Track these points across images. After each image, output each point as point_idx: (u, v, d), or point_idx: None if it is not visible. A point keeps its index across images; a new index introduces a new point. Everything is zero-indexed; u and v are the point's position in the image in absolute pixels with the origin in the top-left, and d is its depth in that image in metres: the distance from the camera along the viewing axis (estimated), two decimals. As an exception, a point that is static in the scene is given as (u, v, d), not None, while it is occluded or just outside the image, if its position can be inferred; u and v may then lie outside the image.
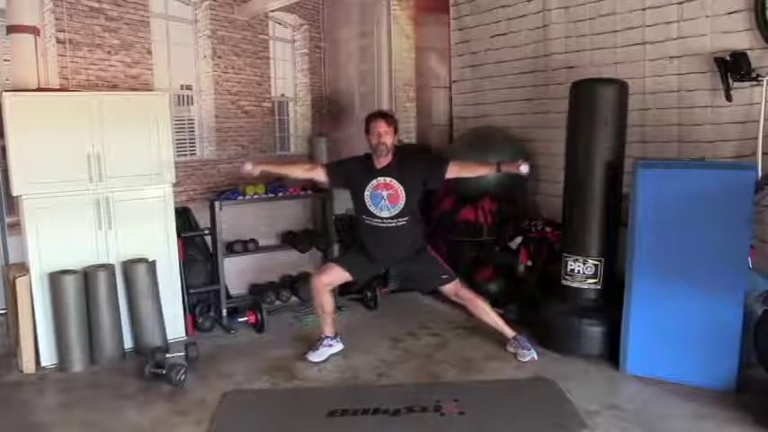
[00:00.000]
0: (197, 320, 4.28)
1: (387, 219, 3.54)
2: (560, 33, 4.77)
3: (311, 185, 5.09)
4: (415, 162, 3.66)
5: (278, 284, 4.98)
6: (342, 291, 5.05)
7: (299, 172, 3.83)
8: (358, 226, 3.75)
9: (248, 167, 3.51)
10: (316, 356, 3.69)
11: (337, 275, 3.71)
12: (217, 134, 6.16)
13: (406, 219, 3.55)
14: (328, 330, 3.77)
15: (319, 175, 3.70)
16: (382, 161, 3.54)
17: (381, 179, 3.52)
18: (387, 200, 3.52)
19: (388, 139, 3.49)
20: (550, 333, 3.77)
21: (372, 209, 3.55)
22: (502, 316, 3.91)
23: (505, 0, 5.21)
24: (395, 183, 3.51)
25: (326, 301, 3.72)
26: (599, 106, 3.60)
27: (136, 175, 3.90)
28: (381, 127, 3.49)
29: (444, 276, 3.74)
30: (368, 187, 3.54)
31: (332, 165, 3.82)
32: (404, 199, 3.51)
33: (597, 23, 4.48)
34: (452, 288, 3.75)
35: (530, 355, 3.61)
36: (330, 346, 3.75)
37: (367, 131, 3.56)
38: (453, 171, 3.55)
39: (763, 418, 2.83)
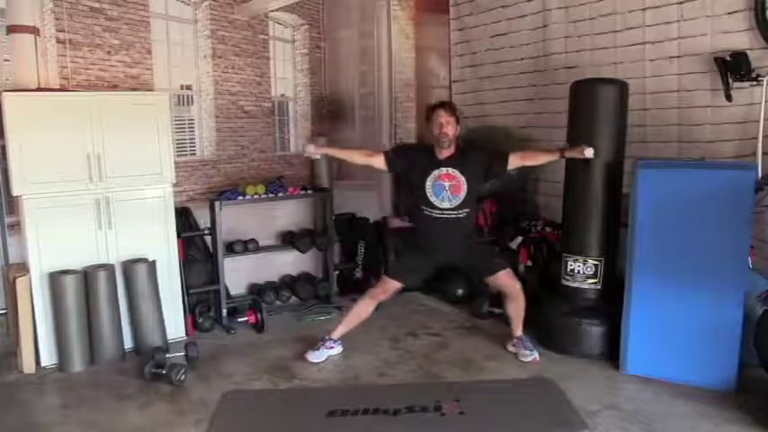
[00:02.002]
0: (197, 320, 4.28)
1: (447, 210, 3.48)
2: (560, 33, 4.77)
3: (312, 185, 5.10)
4: (478, 153, 3.60)
5: (278, 284, 4.98)
6: (342, 290, 5.07)
7: (358, 157, 3.75)
8: (416, 217, 3.70)
9: (311, 149, 3.50)
10: (315, 357, 3.68)
11: (393, 286, 3.69)
12: (217, 134, 6.16)
13: (466, 210, 3.51)
14: (338, 333, 3.76)
15: (379, 162, 3.59)
16: (444, 152, 3.48)
17: (444, 170, 3.47)
18: (449, 191, 3.46)
19: (450, 130, 3.43)
20: (551, 333, 3.77)
21: (433, 199, 3.48)
22: (501, 316, 3.91)
23: (505, 0, 5.21)
24: (457, 174, 3.46)
25: (368, 311, 3.73)
26: (599, 106, 3.60)
27: (136, 175, 3.90)
28: (443, 117, 3.42)
29: (499, 262, 3.71)
30: (430, 177, 3.48)
31: (393, 153, 3.69)
32: (465, 190, 3.46)
33: (597, 23, 4.48)
34: (505, 276, 3.65)
35: (532, 355, 3.61)
36: (331, 348, 3.74)
37: (428, 121, 3.51)
38: (515, 161, 3.51)
39: (763, 418, 2.84)
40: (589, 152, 3.34)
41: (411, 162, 3.58)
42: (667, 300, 3.25)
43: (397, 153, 3.69)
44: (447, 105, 3.54)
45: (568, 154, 3.47)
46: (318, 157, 3.56)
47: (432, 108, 3.53)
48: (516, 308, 3.71)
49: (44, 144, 3.56)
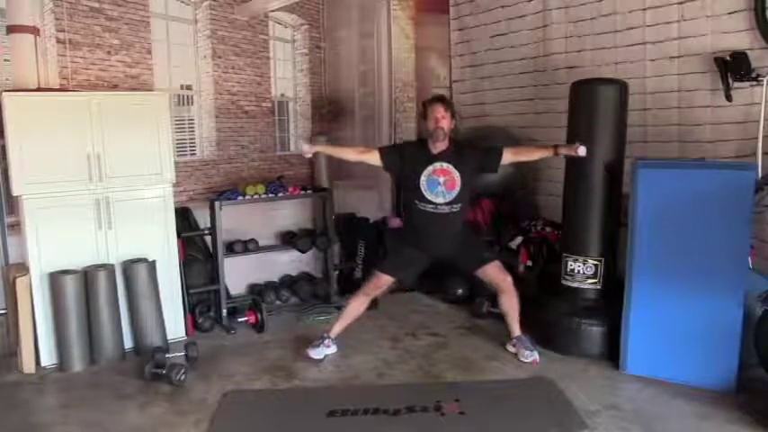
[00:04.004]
0: (197, 320, 4.28)
1: (441, 205, 3.49)
2: (560, 33, 4.78)
3: (312, 185, 5.10)
4: (472, 148, 3.63)
5: (278, 284, 4.98)
6: (342, 290, 5.06)
7: (353, 154, 3.77)
8: (408, 212, 3.70)
9: (305, 147, 3.51)
10: (314, 353, 3.68)
11: (385, 282, 3.71)
12: (217, 134, 6.16)
13: (459, 205, 3.52)
14: (335, 331, 3.77)
15: (374, 158, 3.60)
16: (439, 146, 3.50)
17: (438, 165, 3.48)
18: (443, 185, 3.47)
19: (446, 124, 3.45)
20: (550, 333, 3.77)
21: (427, 194, 3.49)
22: (501, 316, 3.91)
23: (505, 0, 5.21)
24: (451, 169, 3.47)
25: (362, 309, 3.76)
26: (599, 106, 3.60)
27: (136, 175, 3.90)
28: (439, 111, 3.44)
29: (487, 254, 3.73)
30: (424, 172, 3.49)
31: (387, 149, 3.73)
32: (460, 185, 3.48)
33: (597, 23, 4.48)
34: (493, 269, 3.67)
35: (532, 356, 3.60)
36: (328, 347, 3.75)
37: (424, 116, 3.52)
38: (508, 156, 3.52)
39: (763, 418, 2.84)
40: (582, 150, 3.33)
41: (406, 157, 3.59)
42: (667, 300, 3.25)
43: (392, 149, 3.72)
44: (443, 100, 3.56)
45: (562, 151, 3.47)
46: (311, 155, 3.56)
47: (428, 102, 3.55)
48: (509, 302, 3.72)
49: (44, 144, 3.56)
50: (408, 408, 3.02)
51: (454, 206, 3.51)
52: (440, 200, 3.49)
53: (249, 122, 6.44)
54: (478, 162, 3.56)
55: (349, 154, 3.81)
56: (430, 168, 3.49)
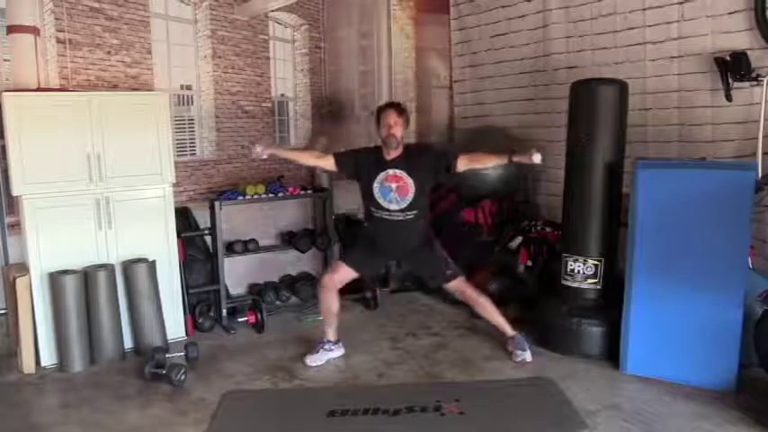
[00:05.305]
0: (197, 320, 4.28)
1: (395, 211, 3.49)
2: (561, 33, 4.78)
3: (312, 185, 5.09)
4: (425, 154, 3.62)
5: (278, 284, 4.98)
6: (342, 291, 5.05)
7: (308, 158, 3.82)
8: (366, 217, 3.71)
9: (258, 150, 3.48)
10: (314, 360, 3.66)
11: (346, 273, 3.68)
12: (217, 134, 6.16)
13: (414, 212, 3.50)
14: (330, 334, 3.74)
15: (329, 163, 3.62)
16: (392, 153, 3.49)
17: (391, 171, 3.47)
18: (396, 192, 3.47)
19: (398, 131, 3.44)
20: (550, 333, 3.77)
21: (381, 201, 3.50)
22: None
23: (505, 0, 5.21)
24: (404, 175, 3.46)
25: (334, 301, 3.68)
26: (599, 106, 3.60)
27: (136, 175, 3.90)
28: (392, 118, 3.43)
29: (449, 272, 3.69)
30: (377, 179, 3.49)
31: (342, 154, 3.73)
32: (413, 192, 3.46)
33: (598, 24, 4.48)
34: (457, 285, 3.70)
35: (522, 355, 3.60)
36: (330, 350, 3.72)
37: (377, 122, 3.51)
38: (463, 163, 3.48)
39: (763, 418, 2.83)
40: (537, 158, 3.26)
41: (360, 163, 3.59)
42: (667, 300, 3.25)
43: (347, 155, 3.71)
44: (396, 106, 3.54)
45: (516, 158, 3.40)
46: (266, 157, 3.54)
47: (381, 109, 3.54)
48: (483, 311, 3.75)
49: (44, 144, 3.56)
50: (408, 408, 3.02)
51: (408, 213, 3.49)
52: (393, 206, 3.49)
53: (249, 122, 6.44)
54: (432, 168, 3.52)
55: (305, 158, 3.85)
56: (382, 175, 3.48)
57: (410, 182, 3.46)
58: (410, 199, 3.47)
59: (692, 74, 3.94)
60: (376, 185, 3.50)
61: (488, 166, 3.71)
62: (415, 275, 4.72)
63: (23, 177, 3.53)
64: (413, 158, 3.51)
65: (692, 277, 3.17)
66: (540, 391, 3.26)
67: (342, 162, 3.62)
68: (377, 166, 3.51)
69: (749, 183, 3.07)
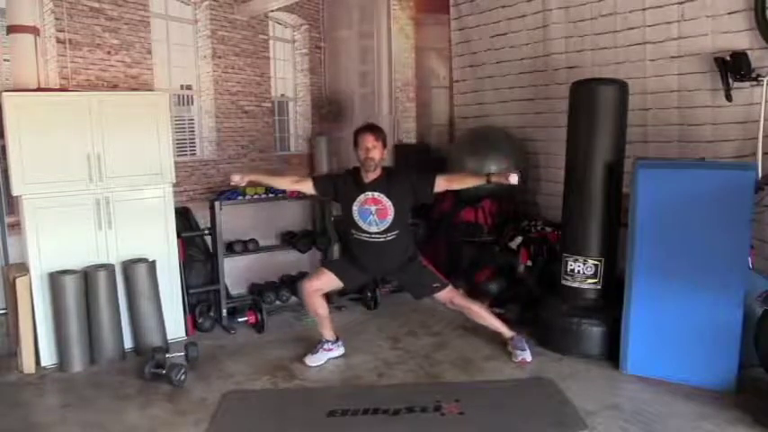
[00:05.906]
0: (197, 320, 4.28)
1: (375, 234, 3.48)
2: (561, 33, 4.78)
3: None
4: (404, 176, 3.57)
5: (278, 284, 4.98)
6: (342, 290, 5.05)
7: (287, 183, 3.84)
8: (347, 239, 3.70)
9: (236, 179, 3.48)
10: (313, 360, 3.66)
11: (328, 281, 3.65)
12: (217, 134, 6.15)
13: (395, 233, 3.49)
14: (327, 334, 3.74)
15: (307, 187, 3.64)
16: (370, 175, 3.47)
17: (370, 194, 3.46)
18: (375, 215, 3.46)
19: (376, 154, 3.42)
20: (550, 333, 3.77)
21: (361, 224, 3.49)
22: (501, 316, 3.91)
23: (505, 0, 5.21)
24: (383, 198, 3.44)
25: (319, 305, 3.65)
26: (599, 106, 3.60)
27: (136, 175, 3.90)
28: (369, 141, 3.42)
29: (436, 285, 3.67)
30: (356, 202, 3.48)
31: (320, 178, 3.75)
32: (392, 214, 3.45)
33: (598, 23, 4.48)
34: (446, 295, 3.69)
35: (522, 355, 3.60)
36: (329, 350, 3.72)
37: (355, 145, 3.48)
38: (441, 185, 3.47)
39: (763, 418, 2.84)
40: (513, 178, 3.21)
41: (339, 187, 3.59)
42: (667, 300, 3.25)
43: (325, 178, 3.74)
44: (374, 129, 3.52)
45: (494, 179, 3.36)
46: (244, 184, 3.60)
47: (358, 131, 3.52)
48: (476, 317, 3.75)
49: (44, 144, 3.56)
50: (408, 408, 3.02)
51: (389, 234, 3.48)
52: (373, 229, 3.48)
53: (249, 122, 6.43)
54: (411, 190, 3.50)
55: (283, 184, 3.87)
56: (362, 198, 3.47)
57: (389, 204, 3.45)
58: (389, 221, 3.46)
59: (691, 74, 3.94)
60: (355, 208, 3.49)
61: (467, 186, 3.67)
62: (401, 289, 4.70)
63: (23, 177, 3.53)
64: (392, 181, 3.49)
65: (691, 277, 3.17)
66: (539, 391, 3.26)
67: (320, 186, 3.64)
68: (355, 189, 3.50)
69: (749, 183, 3.07)
